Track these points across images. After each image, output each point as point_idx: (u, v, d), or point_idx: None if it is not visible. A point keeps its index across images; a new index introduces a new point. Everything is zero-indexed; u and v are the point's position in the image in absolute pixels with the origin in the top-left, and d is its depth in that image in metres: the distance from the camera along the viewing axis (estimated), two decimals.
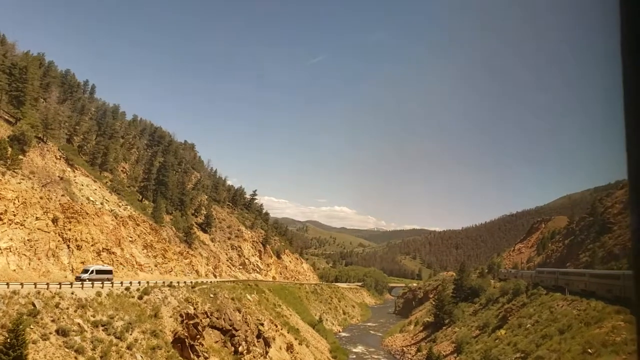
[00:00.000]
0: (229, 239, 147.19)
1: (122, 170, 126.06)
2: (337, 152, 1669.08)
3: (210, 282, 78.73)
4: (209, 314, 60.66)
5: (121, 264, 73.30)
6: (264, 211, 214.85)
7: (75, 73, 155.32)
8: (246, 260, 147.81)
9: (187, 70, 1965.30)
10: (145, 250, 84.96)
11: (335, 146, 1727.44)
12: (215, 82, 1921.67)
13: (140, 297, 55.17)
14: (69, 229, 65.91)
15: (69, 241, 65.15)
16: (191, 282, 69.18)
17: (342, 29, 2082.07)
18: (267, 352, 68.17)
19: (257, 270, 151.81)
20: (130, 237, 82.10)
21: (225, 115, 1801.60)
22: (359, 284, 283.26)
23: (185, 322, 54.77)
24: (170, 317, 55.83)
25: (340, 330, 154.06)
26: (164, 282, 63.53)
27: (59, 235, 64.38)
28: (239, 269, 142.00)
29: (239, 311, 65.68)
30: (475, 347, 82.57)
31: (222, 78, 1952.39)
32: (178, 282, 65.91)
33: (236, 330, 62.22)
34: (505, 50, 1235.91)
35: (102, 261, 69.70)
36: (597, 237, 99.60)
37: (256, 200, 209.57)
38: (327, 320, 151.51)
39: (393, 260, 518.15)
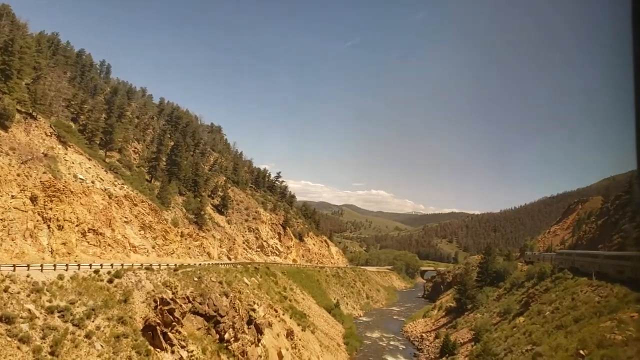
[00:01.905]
0: (246, 221, 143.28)
1: (134, 151, 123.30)
2: (375, 137, 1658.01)
3: (199, 264, 74.15)
4: (190, 299, 56.15)
5: (109, 245, 69.55)
6: (289, 193, 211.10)
7: (91, 53, 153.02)
8: (264, 243, 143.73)
9: (229, 61, 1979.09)
10: (142, 232, 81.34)
11: (374, 131, 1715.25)
12: (254, 70, 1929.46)
13: (110, 281, 50.83)
14: (50, 208, 62.27)
15: (50, 221, 61.50)
16: (174, 265, 64.66)
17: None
18: (259, 340, 63.47)
19: (276, 252, 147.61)
20: (125, 218, 78.48)
21: (261, 102, 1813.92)
22: (389, 267, 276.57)
23: (159, 307, 50.37)
24: (143, 302, 51.43)
25: (362, 315, 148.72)
26: (141, 265, 59.19)
27: (39, 214, 60.78)
28: (257, 251, 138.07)
29: (227, 295, 60.96)
30: (494, 335, 75.97)
31: (261, 67, 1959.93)
32: (159, 265, 61.43)
33: (222, 317, 57.57)
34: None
35: (88, 242, 66.20)
36: (633, 217, 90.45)
37: (284, 182, 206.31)
38: (347, 304, 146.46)
39: (429, 244, 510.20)
